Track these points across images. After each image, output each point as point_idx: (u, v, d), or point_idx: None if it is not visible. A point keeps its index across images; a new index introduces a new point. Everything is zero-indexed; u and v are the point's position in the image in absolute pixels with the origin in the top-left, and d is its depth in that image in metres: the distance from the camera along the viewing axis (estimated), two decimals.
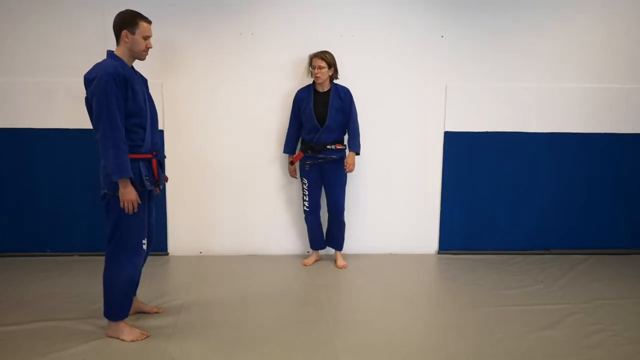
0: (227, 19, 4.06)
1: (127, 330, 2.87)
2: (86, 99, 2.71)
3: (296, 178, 4.16)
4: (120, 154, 2.60)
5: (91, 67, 2.72)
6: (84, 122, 4.10)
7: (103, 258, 4.08)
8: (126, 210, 2.68)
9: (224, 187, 4.26)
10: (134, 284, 2.94)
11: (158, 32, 4.08)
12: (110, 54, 2.77)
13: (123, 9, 3.95)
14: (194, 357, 2.72)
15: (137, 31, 2.74)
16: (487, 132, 4.31)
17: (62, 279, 3.76)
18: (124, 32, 2.73)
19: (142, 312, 3.21)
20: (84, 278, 3.76)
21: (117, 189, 2.68)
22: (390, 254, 4.43)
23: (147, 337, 2.89)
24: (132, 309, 3.17)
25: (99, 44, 3.98)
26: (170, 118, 4.13)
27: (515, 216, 4.43)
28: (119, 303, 2.85)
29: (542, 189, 4.40)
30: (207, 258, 4.27)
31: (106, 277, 2.83)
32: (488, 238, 4.44)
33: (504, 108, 4.28)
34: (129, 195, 2.65)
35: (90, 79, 2.63)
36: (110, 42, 4.06)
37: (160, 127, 4.13)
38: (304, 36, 4.09)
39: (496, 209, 4.41)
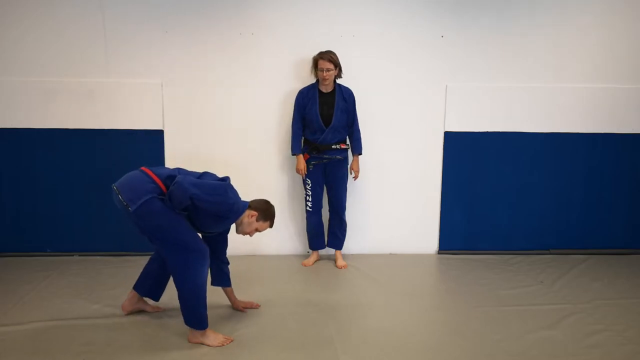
0: (227, 19, 4.06)
1: (212, 335, 2.84)
2: None
3: (303, 175, 4.03)
4: None
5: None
6: (83, 122, 4.13)
7: (103, 258, 4.16)
8: None
9: None
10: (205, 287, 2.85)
11: (158, 32, 4.11)
12: None
13: (123, 9, 3.99)
14: (194, 356, 2.72)
15: None
16: (487, 132, 4.31)
17: (62, 279, 3.76)
18: None
19: (143, 311, 3.21)
20: (84, 278, 3.76)
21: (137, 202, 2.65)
22: (390, 254, 4.43)
23: (232, 341, 2.86)
24: (134, 308, 3.18)
25: (99, 44, 3.99)
26: (170, 118, 4.13)
27: (515, 216, 4.42)
28: (203, 309, 2.81)
29: (542, 189, 4.40)
30: None
31: (183, 286, 2.75)
32: (488, 238, 4.44)
33: (504, 108, 4.28)
34: None
35: None
36: (110, 42, 4.10)
37: (159, 127, 4.16)
38: (304, 36, 4.09)
39: (496, 208, 4.40)
